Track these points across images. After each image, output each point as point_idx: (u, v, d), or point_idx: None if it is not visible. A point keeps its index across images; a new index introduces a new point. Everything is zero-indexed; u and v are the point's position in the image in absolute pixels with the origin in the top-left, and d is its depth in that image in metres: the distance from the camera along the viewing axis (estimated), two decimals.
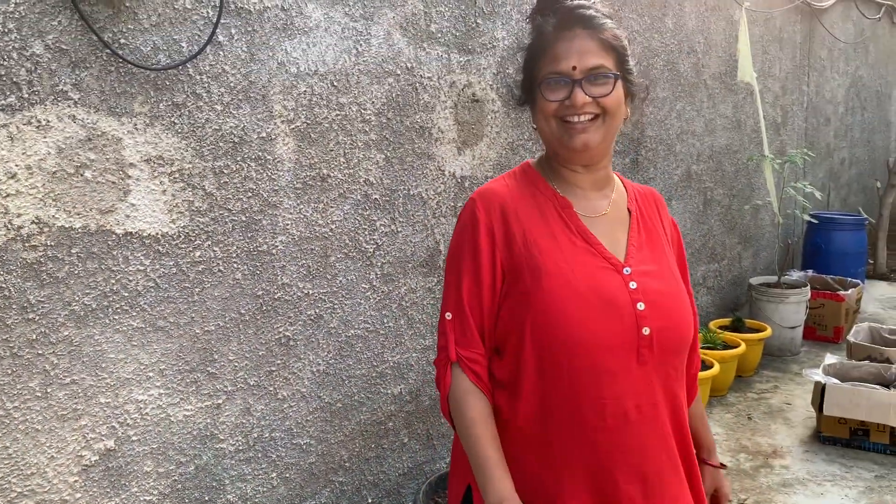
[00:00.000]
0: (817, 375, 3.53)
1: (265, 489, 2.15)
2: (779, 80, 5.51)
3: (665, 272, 1.31)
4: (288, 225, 2.11)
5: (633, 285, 1.25)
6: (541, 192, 1.32)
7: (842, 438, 3.45)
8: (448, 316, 1.30)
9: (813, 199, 5.30)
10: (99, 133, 1.67)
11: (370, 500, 2.50)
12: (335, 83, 2.19)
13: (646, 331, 1.22)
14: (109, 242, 1.72)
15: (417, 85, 2.46)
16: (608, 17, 1.28)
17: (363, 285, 2.38)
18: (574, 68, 1.24)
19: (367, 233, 2.36)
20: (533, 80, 1.30)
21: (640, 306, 1.23)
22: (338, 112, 2.21)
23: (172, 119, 1.80)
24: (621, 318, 1.22)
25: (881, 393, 3.30)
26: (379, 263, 2.41)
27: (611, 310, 1.22)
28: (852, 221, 5.65)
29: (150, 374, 1.84)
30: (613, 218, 1.33)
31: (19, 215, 1.57)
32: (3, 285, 1.56)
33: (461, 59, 2.61)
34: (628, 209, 1.36)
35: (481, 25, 2.68)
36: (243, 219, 1.99)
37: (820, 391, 3.46)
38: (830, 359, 3.72)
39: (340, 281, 2.30)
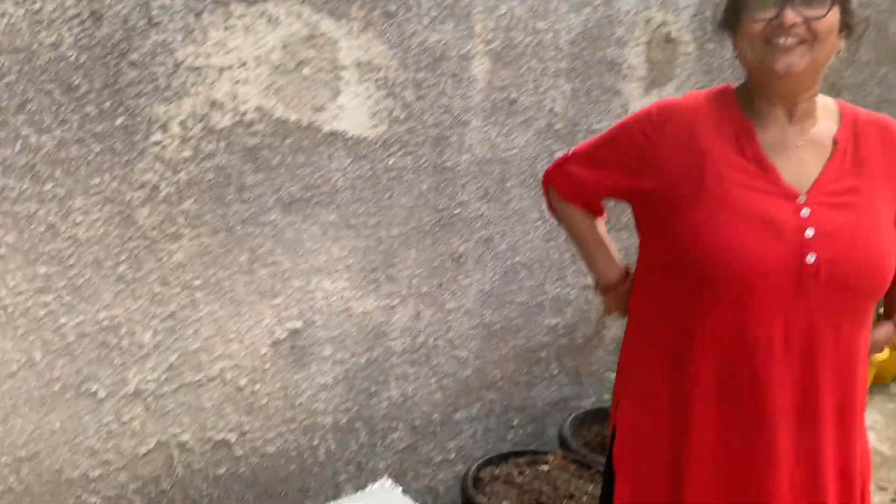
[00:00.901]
0: None
1: (424, 392, 2.27)
2: None
3: (862, 206, 1.21)
4: (473, 144, 2.17)
5: (804, 212, 1.18)
6: (728, 113, 1.26)
7: None
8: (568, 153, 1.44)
9: None
10: (319, 33, 1.78)
11: (516, 423, 2.58)
12: (534, 8, 2.19)
13: (810, 258, 1.15)
14: (317, 138, 1.84)
15: (613, 18, 2.42)
16: None
17: (533, 214, 2.41)
18: None
19: (545, 162, 2.38)
20: None
21: (809, 232, 1.16)
22: (533, 37, 2.22)
23: (384, 27, 1.88)
24: (781, 242, 1.16)
25: None
26: None
27: (769, 232, 1.16)
28: None
29: (339, 268, 1.97)
30: (807, 150, 1.24)
31: (245, 102, 1.71)
32: (226, 165, 1.71)
33: None
34: (834, 139, 1.25)
35: None
36: (434, 133, 2.07)
37: None
38: None
39: (513, 207, 2.34)
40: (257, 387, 1.89)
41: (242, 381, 1.86)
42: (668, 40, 2.63)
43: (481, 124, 2.17)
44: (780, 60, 1.16)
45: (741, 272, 1.17)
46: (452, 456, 2.41)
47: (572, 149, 1.45)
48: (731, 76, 2.85)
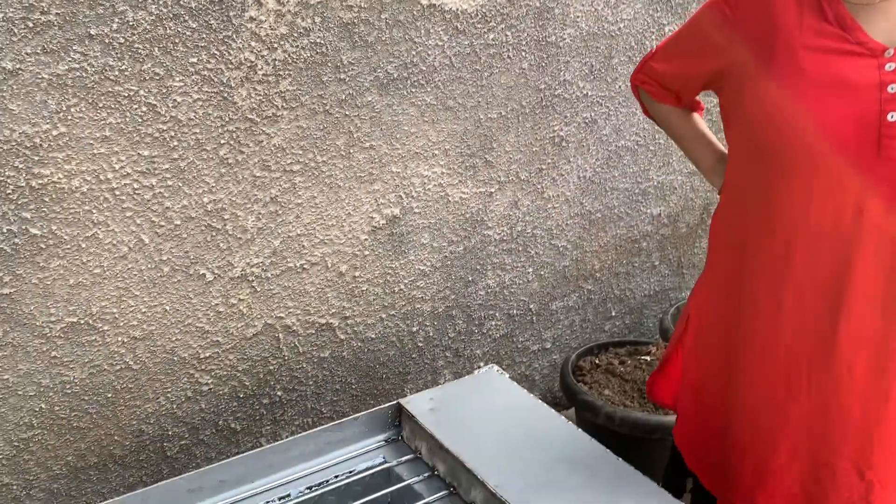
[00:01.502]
0: None
1: (521, 281, 2.22)
2: None
3: None
4: (578, 17, 2.02)
5: (889, 66, 1.04)
6: None
7: None
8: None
9: None
10: None
11: (614, 313, 2.52)
12: None
13: (892, 116, 1.03)
14: (414, 12, 1.73)
15: None
16: None
17: None
18: None
19: (654, 37, 2.20)
20: None
21: (892, 88, 1.03)
22: None
23: None
24: (858, 101, 1.04)
25: None
26: None
27: (843, 95, 1.05)
28: None
29: (436, 153, 1.90)
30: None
31: None
32: (322, 42, 1.63)
33: None
34: None
35: None
36: (537, 4, 1.92)
37: None
38: None
39: (619, 86, 2.19)
40: (357, 273, 1.88)
41: (343, 267, 1.85)
42: None
43: None
44: None
45: (810, 141, 1.06)
46: (548, 345, 2.39)
47: (654, 47, 1.38)
48: None
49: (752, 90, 1.16)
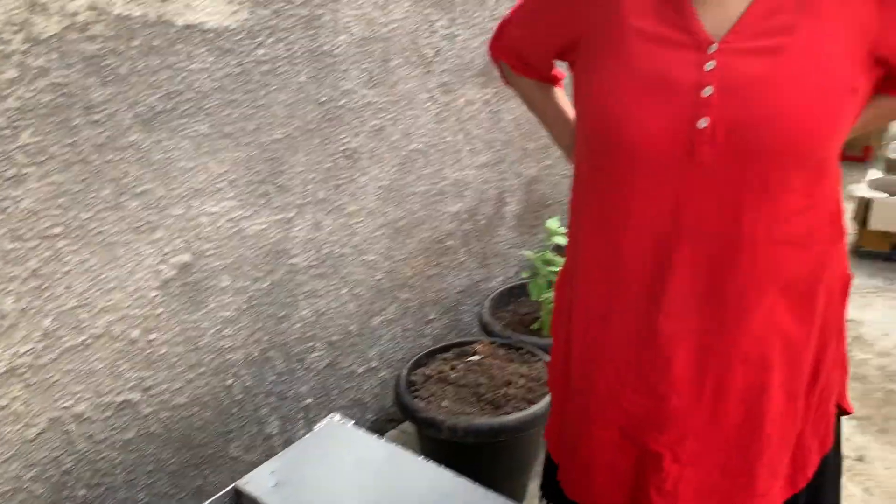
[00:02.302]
0: (862, 191, 3.46)
1: (337, 305, 2.09)
2: None
3: (796, 48, 0.97)
4: (349, 23, 1.91)
5: (709, 66, 0.98)
6: None
7: (882, 252, 3.45)
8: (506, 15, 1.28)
9: None
10: None
11: (432, 316, 2.47)
12: None
13: (702, 123, 0.97)
14: (170, 36, 1.52)
15: None
16: None
17: (422, 95, 2.20)
18: None
19: (426, 35, 2.16)
20: None
21: (706, 91, 0.97)
22: None
23: None
24: (671, 105, 0.98)
25: None
26: (438, 70, 2.23)
27: (662, 94, 0.99)
28: None
29: (221, 186, 1.71)
30: None
31: (73, 0, 1.36)
32: (65, 81, 1.38)
33: None
34: None
35: None
36: (304, 13, 1.79)
37: (864, 206, 3.40)
38: (874, 174, 3.64)
39: (401, 89, 2.12)
40: (153, 336, 1.64)
41: (134, 333, 1.61)
42: None
43: None
44: None
45: (624, 144, 1.01)
46: (375, 364, 2.28)
47: (510, 10, 1.25)
48: None
49: (583, 72, 1.10)
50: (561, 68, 1.29)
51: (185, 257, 1.67)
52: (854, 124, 1.04)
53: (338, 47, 1.89)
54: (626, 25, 1.04)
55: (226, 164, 1.70)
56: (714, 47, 0.99)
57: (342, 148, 1.98)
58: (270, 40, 1.72)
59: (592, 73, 1.08)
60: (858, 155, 4.86)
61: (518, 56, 1.28)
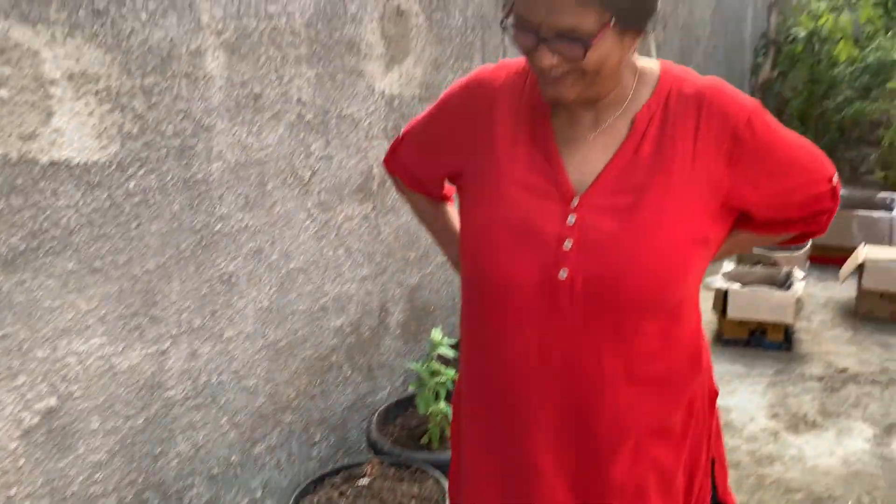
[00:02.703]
0: (718, 282, 3.73)
1: (216, 435, 2.01)
2: None
3: (645, 207, 1.03)
4: (223, 150, 1.92)
5: (570, 220, 1.04)
6: (530, 92, 1.14)
7: (742, 339, 3.69)
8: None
9: None
10: (12, 44, 1.41)
11: (318, 438, 2.41)
12: None
13: (562, 274, 1.03)
14: (34, 174, 1.48)
15: None
16: None
17: (301, 215, 2.22)
18: (540, 25, 0.97)
19: (302, 157, 2.19)
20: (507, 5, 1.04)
21: (567, 245, 1.03)
22: (267, 23, 2.01)
23: (94, 29, 1.56)
24: (537, 255, 1.04)
25: (780, 294, 3.54)
26: (316, 190, 2.26)
27: (529, 244, 1.05)
28: None
29: (90, 322, 1.63)
30: (600, 140, 1.09)
31: None
32: None
33: None
34: (633, 120, 1.08)
35: None
36: (177, 143, 1.78)
37: (722, 296, 3.66)
38: (728, 266, 3.94)
39: (279, 210, 2.13)
40: (13, 491, 1.51)
41: None
42: (399, 13, 2.55)
43: (228, 126, 1.92)
44: (548, 90, 1.03)
45: (495, 287, 1.07)
46: (259, 494, 2.19)
47: (405, 127, 1.32)
48: (461, 44, 2.87)
49: (464, 205, 1.15)
50: (452, 186, 1.35)
51: (51, 401, 1.57)
52: (706, 266, 1.14)
53: (212, 175, 1.89)
54: (501, 170, 1.10)
55: (94, 300, 1.63)
56: (576, 201, 1.06)
57: (218, 273, 1.95)
58: (142, 172, 1.70)
59: (470, 212, 1.14)
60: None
61: (410, 174, 1.33)
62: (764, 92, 8.50)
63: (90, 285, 1.62)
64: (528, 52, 1.01)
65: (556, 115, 1.12)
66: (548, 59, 0.99)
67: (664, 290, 1.03)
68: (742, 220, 1.16)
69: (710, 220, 1.07)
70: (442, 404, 2.22)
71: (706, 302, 4.11)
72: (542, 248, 1.04)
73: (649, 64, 1.13)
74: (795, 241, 1.29)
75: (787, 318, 3.51)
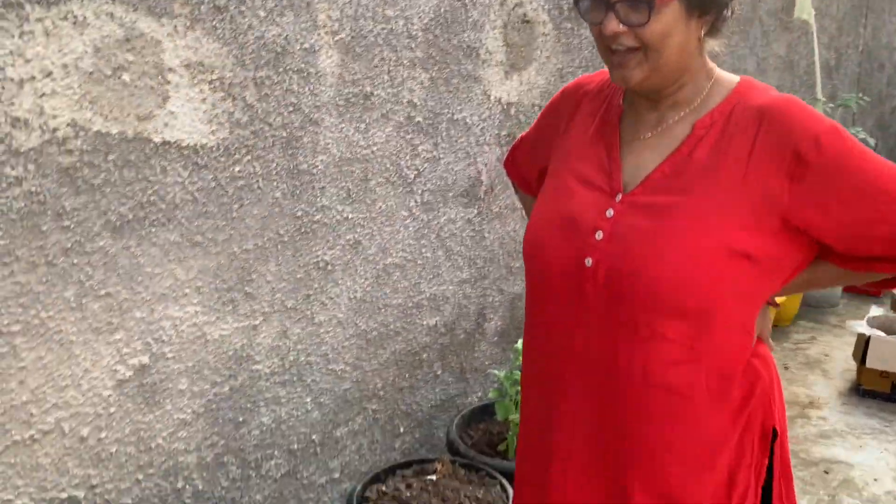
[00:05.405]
0: (861, 327, 3.42)
1: (299, 413, 2.11)
2: (835, 20, 5.25)
3: (684, 209, 1.04)
4: (329, 144, 2.02)
5: (609, 213, 1.08)
6: (611, 93, 1.22)
7: (882, 392, 3.36)
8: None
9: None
10: (137, 34, 1.58)
11: (402, 430, 2.47)
12: None
13: (588, 262, 1.07)
14: (147, 151, 1.64)
15: (467, 1, 2.32)
16: None
17: (402, 212, 2.29)
18: None
19: (408, 157, 2.26)
20: None
21: (598, 235, 1.07)
22: (383, 26, 2.09)
23: (214, 23, 1.70)
24: (571, 242, 1.10)
25: None
26: (419, 191, 2.32)
27: (567, 230, 1.11)
28: None
29: (187, 291, 1.78)
30: (655, 141, 1.12)
31: (55, 117, 1.49)
32: (38, 190, 1.49)
33: None
34: (694, 126, 1.09)
35: None
36: (284, 134, 1.90)
37: (863, 343, 3.35)
38: (875, 311, 3.60)
39: (380, 207, 2.21)
40: (103, 434, 1.68)
41: (85, 431, 1.65)
42: (525, 21, 2.56)
43: (336, 122, 2.03)
44: (615, 72, 1.08)
45: (535, 270, 1.17)
46: (337, 475, 2.27)
47: (524, 132, 1.44)
48: (591, 55, 2.83)
49: (537, 201, 1.25)
50: None
51: (144, 359, 1.73)
52: (760, 286, 1.08)
53: (316, 167, 2.00)
54: (569, 166, 1.19)
55: (193, 271, 1.78)
56: (620, 196, 1.10)
57: (315, 260, 2.06)
58: (247, 158, 1.83)
59: (536, 205, 1.23)
60: (871, 290, 4.81)
61: (521, 177, 1.44)
62: None
63: (190, 257, 1.77)
64: (598, 26, 1.05)
65: (626, 116, 1.18)
66: (613, 24, 1.02)
67: (681, 291, 1.02)
68: (825, 251, 1.10)
69: (757, 235, 1.03)
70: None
71: (847, 348, 3.78)
72: (577, 236, 1.10)
73: (729, 76, 1.14)
74: (892, 285, 1.18)
75: None
